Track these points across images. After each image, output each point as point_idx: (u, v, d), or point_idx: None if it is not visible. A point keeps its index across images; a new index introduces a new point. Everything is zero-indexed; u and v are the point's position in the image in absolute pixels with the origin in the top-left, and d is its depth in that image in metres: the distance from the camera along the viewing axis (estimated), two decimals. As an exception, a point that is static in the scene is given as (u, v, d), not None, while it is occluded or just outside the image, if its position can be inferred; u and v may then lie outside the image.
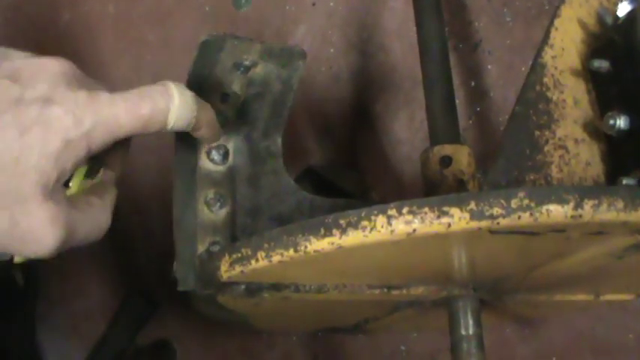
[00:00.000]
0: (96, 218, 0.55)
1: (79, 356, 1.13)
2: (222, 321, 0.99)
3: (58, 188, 0.51)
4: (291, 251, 0.55)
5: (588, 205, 0.51)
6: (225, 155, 0.72)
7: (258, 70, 0.71)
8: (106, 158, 0.59)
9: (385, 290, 0.72)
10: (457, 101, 0.87)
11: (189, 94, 0.57)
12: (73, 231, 0.52)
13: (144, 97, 0.54)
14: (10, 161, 0.49)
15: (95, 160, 0.58)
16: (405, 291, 0.72)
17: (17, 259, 0.55)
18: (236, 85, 0.71)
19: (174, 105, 0.55)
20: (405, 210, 0.52)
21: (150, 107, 0.54)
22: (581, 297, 0.84)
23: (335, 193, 0.96)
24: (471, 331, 0.72)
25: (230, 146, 0.72)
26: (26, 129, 0.49)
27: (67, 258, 1.11)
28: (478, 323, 0.73)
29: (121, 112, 0.53)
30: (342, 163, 1.14)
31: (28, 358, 1.03)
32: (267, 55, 0.71)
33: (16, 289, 1.00)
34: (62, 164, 0.50)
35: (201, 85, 0.68)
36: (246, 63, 0.70)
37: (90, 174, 0.57)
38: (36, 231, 0.50)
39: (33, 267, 1.04)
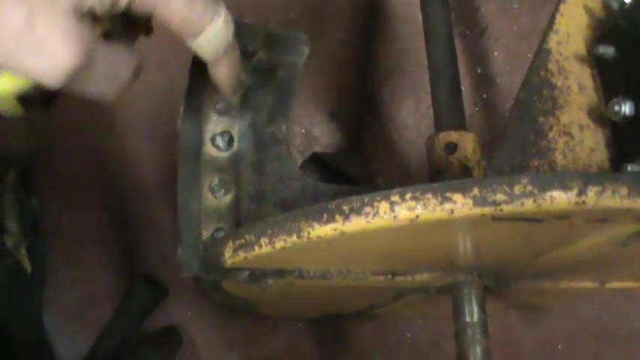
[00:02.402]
0: (118, 63, 0.51)
1: (86, 342, 1.14)
2: (230, 306, 0.99)
3: (88, 17, 0.47)
4: (294, 237, 0.55)
5: (592, 191, 0.50)
6: (230, 141, 0.72)
7: (263, 56, 0.71)
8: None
9: (389, 277, 0.72)
10: (463, 88, 0.87)
11: (232, 26, 0.55)
12: (91, 61, 0.47)
13: None
14: None
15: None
16: (409, 277, 0.72)
17: (16, 84, 0.48)
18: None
19: (217, 22, 0.53)
20: (407, 196, 0.51)
21: (200, 8, 0.52)
22: (586, 284, 0.83)
23: (340, 179, 0.95)
24: (475, 318, 0.72)
25: (234, 132, 0.72)
26: None
27: (75, 242, 1.12)
28: (483, 310, 0.73)
29: None
30: (347, 148, 1.14)
31: (36, 344, 1.03)
32: (272, 40, 0.70)
33: (24, 276, 1.00)
34: None
35: (204, 69, 0.68)
36: (250, 49, 0.70)
37: (119, 34, 0.53)
38: (52, 42, 0.44)
39: (41, 253, 1.04)
